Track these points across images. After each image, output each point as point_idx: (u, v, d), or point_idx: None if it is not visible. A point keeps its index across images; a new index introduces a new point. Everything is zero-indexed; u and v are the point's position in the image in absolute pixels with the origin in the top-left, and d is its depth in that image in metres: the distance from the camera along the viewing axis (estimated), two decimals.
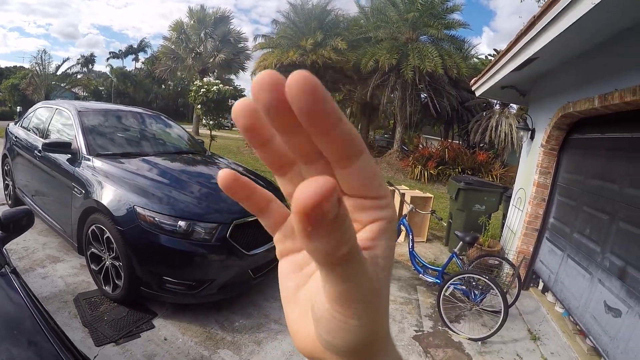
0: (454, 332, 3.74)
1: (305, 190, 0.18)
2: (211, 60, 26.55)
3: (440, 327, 3.85)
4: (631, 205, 3.31)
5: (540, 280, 4.93)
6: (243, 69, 28.51)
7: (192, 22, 26.86)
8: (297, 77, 0.20)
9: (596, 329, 3.43)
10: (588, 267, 3.78)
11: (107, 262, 3.41)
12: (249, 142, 0.25)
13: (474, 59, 20.39)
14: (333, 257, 0.20)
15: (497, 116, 16.93)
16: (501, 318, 3.51)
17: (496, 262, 4.77)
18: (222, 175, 0.28)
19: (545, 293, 4.76)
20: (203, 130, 19.35)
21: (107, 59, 52.28)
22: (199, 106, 10.48)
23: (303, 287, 0.30)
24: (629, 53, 3.20)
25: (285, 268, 0.32)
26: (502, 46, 4.59)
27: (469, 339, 3.66)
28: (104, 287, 3.49)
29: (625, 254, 3.26)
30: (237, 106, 0.24)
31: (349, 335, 0.24)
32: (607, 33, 3.31)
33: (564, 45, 3.67)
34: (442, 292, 3.80)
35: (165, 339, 3.08)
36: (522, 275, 4.93)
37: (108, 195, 3.39)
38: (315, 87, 0.20)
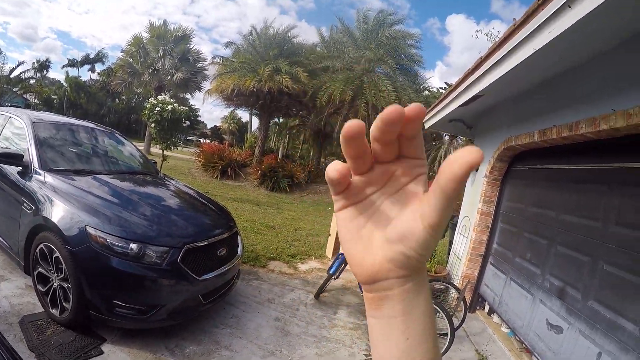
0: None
1: (471, 156, 0.30)
2: (168, 77, 26.21)
3: None
4: (567, 230, 3.60)
5: (486, 303, 5.15)
6: (199, 89, 28.21)
7: (152, 37, 26.44)
8: (420, 108, 0.33)
9: (540, 346, 3.64)
10: (530, 288, 4.02)
11: (55, 284, 3.26)
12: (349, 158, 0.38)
13: (426, 91, 21.27)
14: (460, 193, 0.33)
15: (446, 146, 17.66)
16: (448, 340, 3.64)
17: (442, 286, 4.95)
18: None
19: (491, 315, 4.98)
20: (155, 150, 18.91)
21: (63, 66, 50.27)
22: (152, 125, 10.25)
23: (364, 226, 0.39)
24: (565, 93, 3.54)
25: (346, 215, 0.40)
26: (454, 80, 4.88)
27: None
28: (50, 310, 3.32)
29: (564, 275, 3.53)
30: (352, 130, 0.35)
31: (427, 249, 0.35)
32: (546, 75, 3.64)
33: (508, 84, 3.97)
34: None
35: None
36: (468, 298, 5.14)
37: (59, 212, 3.27)
38: (423, 114, 0.34)
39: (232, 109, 29.16)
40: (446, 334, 3.68)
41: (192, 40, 28.11)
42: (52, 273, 3.29)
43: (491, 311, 4.98)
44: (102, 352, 3.09)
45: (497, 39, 3.37)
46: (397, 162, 0.38)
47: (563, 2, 2.25)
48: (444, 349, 3.66)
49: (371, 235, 0.38)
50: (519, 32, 2.86)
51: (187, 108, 10.96)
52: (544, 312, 3.67)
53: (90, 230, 3.10)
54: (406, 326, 0.38)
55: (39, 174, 3.68)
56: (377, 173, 0.38)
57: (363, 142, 0.35)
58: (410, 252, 0.35)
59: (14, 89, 32.12)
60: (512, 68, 3.20)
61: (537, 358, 3.71)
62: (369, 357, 3.80)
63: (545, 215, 4.04)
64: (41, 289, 3.41)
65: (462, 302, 4.44)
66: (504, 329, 4.55)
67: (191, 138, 56.50)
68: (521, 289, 4.19)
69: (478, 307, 5.32)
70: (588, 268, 3.18)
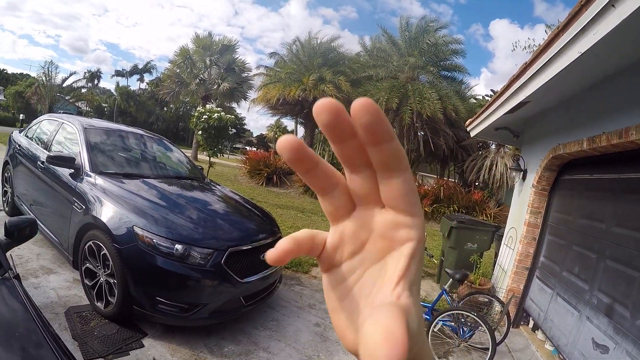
0: None
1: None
2: (215, 87, 26.91)
3: None
4: (617, 244, 3.41)
5: (531, 318, 4.95)
6: (245, 98, 28.74)
7: (198, 48, 27.30)
8: (363, 102, 0.25)
9: None
10: (577, 304, 3.84)
11: (102, 279, 3.44)
12: (295, 170, 0.31)
13: (472, 99, 20.84)
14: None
15: (493, 156, 17.17)
16: (489, 355, 3.53)
17: (486, 299, 4.79)
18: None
19: (536, 331, 4.78)
20: (202, 156, 19.46)
21: (112, 76, 53.12)
22: (200, 132, 10.58)
23: (346, 298, 0.33)
24: (614, 97, 3.37)
25: (328, 281, 0.34)
26: (499, 87, 4.77)
27: None
28: (96, 303, 3.50)
29: (612, 291, 3.34)
30: (282, 142, 0.29)
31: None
32: (593, 79, 3.49)
33: (554, 90, 3.84)
34: (431, 328, 3.83)
35: (154, 359, 3.09)
36: (512, 313, 4.96)
37: (108, 213, 3.45)
38: (376, 109, 0.25)
39: (277, 117, 29.58)
40: (487, 349, 3.57)
41: (236, 50, 28.83)
42: (99, 269, 3.46)
43: (536, 327, 4.78)
44: (142, 346, 3.22)
45: (540, 44, 3.28)
46: (379, 210, 0.32)
47: (607, 2, 2.16)
48: None
49: (354, 309, 0.32)
50: (563, 35, 2.77)
51: (233, 116, 11.23)
52: (590, 330, 3.49)
53: (138, 230, 3.25)
54: None
55: (90, 176, 3.89)
56: (350, 225, 0.33)
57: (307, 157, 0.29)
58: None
59: (67, 97, 33.89)
60: (558, 73, 3.10)
61: None
62: None
63: (594, 227, 3.85)
64: (88, 283, 3.60)
65: (505, 316, 4.28)
66: (548, 347, 4.35)
67: (237, 146, 57.81)
68: (567, 304, 4.00)
69: (522, 323, 5.11)
70: (638, 284, 3.00)
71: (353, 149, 0.29)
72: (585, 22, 2.44)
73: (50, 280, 3.95)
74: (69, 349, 2.84)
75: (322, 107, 0.26)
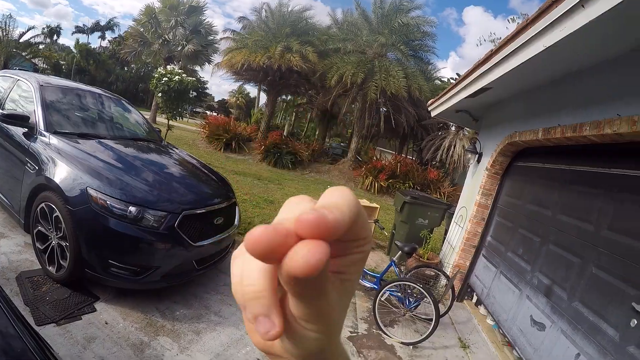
0: (387, 335, 3.92)
1: (299, 260, 0.21)
2: (179, 48, 26.02)
3: (374, 330, 4.03)
4: (561, 230, 3.64)
5: (474, 294, 5.23)
6: (209, 62, 27.94)
7: (164, 7, 26.17)
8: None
9: (522, 341, 3.73)
10: (518, 283, 4.09)
11: (54, 242, 3.34)
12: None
13: (437, 81, 21.10)
14: (307, 295, 0.25)
15: (452, 137, 17.59)
16: (432, 325, 3.72)
17: (433, 273, 5.01)
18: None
19: (478, 306, 5.06)
20: (160, 119, 18.96)
21: (73, 32, 50.45)
22: (159, 94, 10.28)
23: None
24: (573, 94, 3.53)
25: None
26: (464, 72, 4.87)
27: (401, 342, 3.85)
28: (47, 267, 3.41)
29: (552, 273, 3.58)
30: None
31: (307, 343, 0.29)
32: (555, 74, 3.62)
33: (516, 79, 3.96)
34: (378, 297, 3.98)
35: (107, 323, 3.06)
36: (457, 287, 5.22)
37: (61, 173, 3.33)
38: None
39: (240, 83, 29.00)
40: (431, 319, 3.76)
41: (204, 12, 27.81)
42: (52, 232, 3.37)
43: (478, 302, 5.06)
44: (95, 310, 3.20)
45: (508, 34, 3.35)
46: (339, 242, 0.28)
47: (577, 1, 2.24)
48: (427, 333, 3.75)
49: None
50: (531, 27, 2.83)
51: (194, 79, 10.95)
52: (529, 308, 3.74)
53: (91, 192, 3.17)
54: None
55: (44, 136, 3.73)
56: None
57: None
58: (289, 346, 0.30)
59: (23, 53, 31.84)
60: (522, 63, 3.19)
61: (517, 352, 3.80)
62: (354, 334, 3.89)
63: (541, 213, 4.07)
64: (40, 246, 3.50)
65: (450, 290, 4.51)
66: (489, 321, 4.63)
67: (198, 110, 56.34)
68: (510, 283, 4.25)
69: (466, 297, 5.40)
70: (577, 269, 3.22)
71: None
72: (554, 18, 2.51)
73: (1, 245, 3.79)
74: (22, 314, 2.79)
75: (256, 243, 0.23)
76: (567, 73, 3.51)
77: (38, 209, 3.45)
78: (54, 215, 3.29)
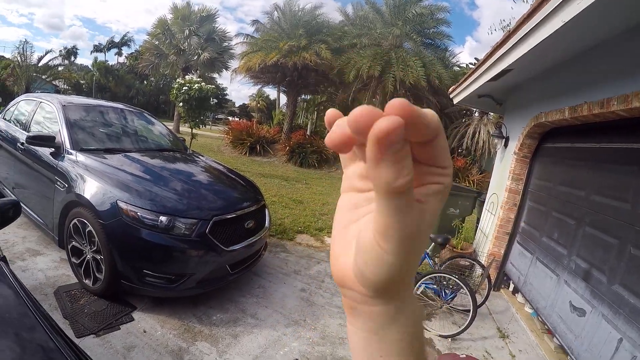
0: (425, 329, 3.87)
1: (381, 122, 0.22)
2: (195, 58, 26.35)
3: None
4: (596, 211, 3.51)
5: (511, 282, 5.12)
6: (227, 68, 28.14)
7: (176, 19, 26.57)
8: (400, 106, 0.24)
9: (562, 328, 3.62)
10: (555, 269, 3.97)
11: (88, 256, 3.44)
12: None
13: (456, 67, 20.75)
14: (391, 185, 0.24)
15: (476, 123, 17.26)
16: (470, 316, 3.67)
17: (467, 263, 4.93)
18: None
19: (516, 294, 4.95)
20: (184, 128, 19.28)
21: (91, 52, 51.79)
22: (180, 104, 10.43)
23: (354, 223, 0.33)
24: (597, 68, 3.40)
25: (344, 203, 0.34)
26: (483, 55, 4.77)
27: (440, 335, 3.80)
28: (84, 281, 3.52)
29: (590, 257, 3.46)
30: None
31: (382, 269, 0.28)
32: (577, 49, 3.50)
33: (537, 59, 3.84)
34: (414, 291, 3.92)
35: (145, 331, 3.13)
36: (493, 276, 5.12)
37: (91, 189, 3.42)
38: (417, 114, 0.24)
39: (259, 86, 29.19)
40: (469, 310, 3.71)
41: (216, 20, 28.07)
42: (85, 246, 3.46)
43: (516, 290, 4.95)
44: (132, 319, 3.27)
45: (525, 12, 3.26)
46: (420, 165, 0.29)
47: None
48: (465, 325, 3.69)
49: (357, 234, 0.32)
50: (547, 3, 2.75)
51: (213, 87, 11.05)
52: (568, 294, 3.63)
53: (122, 205, 3.24)
54: (380, 346, 0.33)
55: (71, 154, 3.84)
56: None
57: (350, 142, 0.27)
58: (364, 268, 0.29)
59: (43, 77, 32.83)
60: (541, 41, 3.10)
61: (558, 339, 3.69)
62: None
63: (574, 194, 3.95)
64: (75, 261, 3.61)
65: (486, 279, 4.43)
66: (528, 309, 4.52)
67: (220, 116, 57.03)
68: (546, 269, 4.14)
69: (503, 286, 5.29)
70: (615, 251, 3.11)
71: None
72: None
73: (37, 262, 3.94)
74: (61, 328, 2.88)
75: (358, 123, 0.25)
76: (589, 47, 3.38)
77: (71, 225, 3.55)
78: (86, 230, 3.39)
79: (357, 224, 0.33)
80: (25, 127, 4.67)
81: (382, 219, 0.26)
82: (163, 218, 3.23)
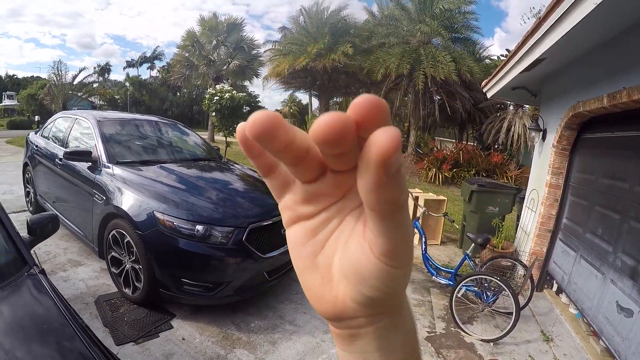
0: (466, 333, 3.77)
1: (382, 140, 0.20)
2: (225, 67, 26.83)
3: (452, 329, 3.89)
4: None
5: (554, 282, 4.92)
6: (257, 75, 28.53)
7: (204, 30, 27.14)
8: (363, 103, 0.21)
9: (609, 329, 3.44)
10: (600, 267, 3.78)
11: (127, 265, 3.54)
12: (245, 153, 0.27)
13: (487, 60, 20.31)
14: (398, 204, 0.22)
15: (511, 116, 16.81)
16: (513, 319, 3.53)
17: (509, 263, 4.78)
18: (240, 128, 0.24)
19: (559, 294, 4.75)
20: (218, 137, 19.63)
21: (124, 67, 53.51)
22: (213, 113, 10.62)
23: (320, 252, 0.29)
24: (634, 50, 3.22)
25: (297, 236, 0.31)
26: (514, 46, 4.65)
27: (481, 340, 3.69)
28: (124, 290, 3.62)
29: (637, 253, 3.27)
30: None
31: (393, 285, 0.26)
32: (612, 32, 3.33)
33: (571, 45, 3.69)
34: (455, 294, 3.83)
35: (184, 339, 3.19)
36: (536, 276, 4.94)
37: (128, 201, 3.52)
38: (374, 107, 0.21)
39: (290, 92, 29.44)
40: (511, 313, 3.57)
41: (243, 28, 28.45)
42: (124, 256, 3.55)
43: (559, 290, 4.75)
44: (171, 327, 3.34)
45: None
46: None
47: None
48: (508, 328, 3.57)
49: (330, 263, 0.29)
50: None
51: (245, 94, 11.21)
52: (615, 293, 3.44)
53: (159, 215, 3.32)
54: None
55: (108, 167, 3.96)
56: (329, 182, 0.27)
57: (289, 142, 0.23)
58: (372, 292, 0.27)
59: (79, 94, 34.20)
60: (573, 26, 2.97)
61: (604, 342, 3.50)
62: (432, 334, 3.78)
63: (618, 187, 3.74)
64: (114, 271, 3.72)
65: (529, 280, 4.27)
66: (572, 310, 4.32)
67: None
68: (591, 267, 3.95)
69: (546, 286, 5.09)
70: None
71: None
72: None
73: (78, 272, 4.09)
74: (101, 336, 2.96)
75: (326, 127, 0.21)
76: (624, 30, 3.22)
77: (110, 235, 3.66)
78: (125, 241, 3.48)
79: (323, 253, 0.29)
80: (62, 143, 4.86)
81: (388, 239, 0.24)
82: (199, 227, 3.28)
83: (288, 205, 0.31)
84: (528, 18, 27.94)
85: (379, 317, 0.30)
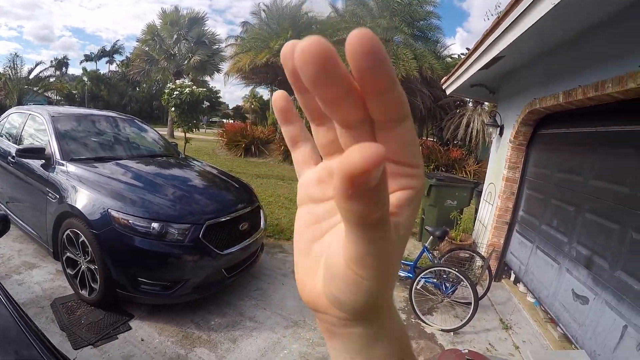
0: (427, 323, 3.84)
1: (355, 155, 0.18)
2: (186, 62, 26.39)
3: (413, 320, 3.95)
4: (596, 197, 3.46)
5: (512, 272, 5.08)
6: (218, 71, 28.28)
7: (165, 24, 26.60)
8: (359, 36, 0.20)
9: (565, 316, 3.58)
10: (556, 257, 3.94)
11: (83, 266, 3.41)
12: (293, 86, 0.26)
13: (448, 58, 20.73)
14: (366, 220, 0.21)
15: (470, 113, 17.24)
16: (472, 309, 3.63)
17: (467, 255, 4.90)
18: (278, 95, 0.31)
19: (517, 284, 4.91)
20: (178, 133, 19.29)
21: (81, 62, 51.62)
22: (173, 109, 10.39)
23: (319, 240, 0.30)
24: (590, 51, 3.34)
25: (304, 218, 0.31)
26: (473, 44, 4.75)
27: (442, 330, 3.77)
28: (80, 291, 3.49)
29: (591, 243, 3.42)
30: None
31: (359, 294, 0.25)
32: (568, 32, 3.45)
33: (529, 44, 3.80)
34: (414, 286, 3.90)
35: (143, 340, 3.10)
36: (494, 267, 5.08)
37: (82, 199, 3.39)
38: (380, 47, 0.20)
39: (251, 87, 29.22)
40: (470, 303, 3.67)
41: (205, 23, 28.27)
42: (80, 256, 3.43)
43: (517, 280, 4.91)
44: (130, 328, 3.25)
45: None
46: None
47: None
48: (467, 318, 3.66)
49: (322, 254, 0.29)
50: None
51: (205, 90, 11.02)
52: (570, 282, 3.59)
53: (113, 213, 3.22)
54: None
55: (62, 165, 3.81)
56: None
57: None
58: (340, 295, 0.26)
59: (35, 89, 32.87)
60: (531, 25, 3.04)
61: (561, 328, 3.66)
62: None
63: (572, 180, 3.90)
64: (70, 272, 3.59)
65: (487, 270, 4.39)
66: (530, 299, 4.48)
67: (214, 119, 56.91)
68: (547, 257, 4.10)
69: (504, 276, 5.25)
70: (617, 236, 3.06)
71: (350, 106, 0.23)
72: None
73: (33, 275, 3.92)
74: (58, 340, 2.87)
75: (306, 54, 0.20)
76: (581, 31, 3.34)
77: (64, 235, 3.52)
78: (80, 240, 3.36)
79: (320, 242, 0.30)
80: (16, 140, 4.63)
81: (355, 247, 0.23)
82: (155, 224, 3.20)
83: (303, 183, 0.32)
84: (491, 15, 28.65)
85: (351, 323, 0.28)
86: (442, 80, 6.92)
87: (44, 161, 3.94)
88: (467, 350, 2.42)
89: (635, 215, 2.86)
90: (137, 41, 29.02)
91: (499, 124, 5.65)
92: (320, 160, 0.32)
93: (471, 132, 16.69)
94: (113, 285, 3.24)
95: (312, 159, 0.32)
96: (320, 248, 0.29)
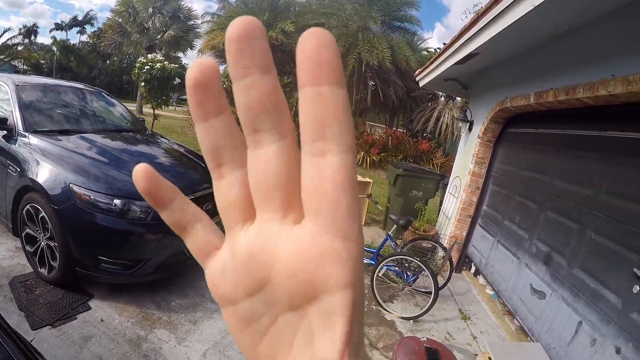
0: (387, 311, 3.90)
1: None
2: (159, 36, 25.54)
3: (373, 307, 4.00)
4: (558, 196, 3.59)
5: (473, 264, 5.22)
6: (192, 47, 27.46)
7: None
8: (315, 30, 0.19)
9: (523, 310, 3.72)
10: (516, 252, 4.07)
11: (43, 243, 3.27)
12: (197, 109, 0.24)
13: (424, 52, 20.84)
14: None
15: (441, 107, 17.46)
16: (432, 298, 3.70)
17: (429, 245, 5.00)
18: (139, 170, 0.25)
19: (477, 276, 5.06)
20: (147, 109, 18.77)
21: (51, 30, 49.05)
22: (142, 84, 10.09)
23: (260, 343, 0.23)
24: (564, 55, 3.42)
25: (233, 320, 0.25)
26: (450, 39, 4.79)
27: (402, 317, 3.84)
28: (39, 270, 3.36)
29: (551, 241, 3.54)
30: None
31: None
32: (545, 35, 3.51)
33: (504, 43, 3.85)
34: (376, 273, 3.94)
35: (102, 320, 3.02)
36: (455, 258, 5.21)
37: (44, 173, 3.24)
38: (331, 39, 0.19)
39: (225, 66, 28.59)
40: (431, 292, 3.74)
41: None
42: (39, 233, 3.30)
43: (477, 272, 5.06)
44: (89, 308, 3.16)
45: None
46: (289, 225, 0.22)
47: None
48: (427, 307, 3.73)
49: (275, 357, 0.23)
50: None
51: (177, 66, 10.75)
52: (529, 277, 3.72)
53: (75, 188, 3.09)
54: None
55: (24, 136, 3.62)
56: (243, 243, 0.23)
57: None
58: None
59: (1, 57, 31.19)
60: (510, 25, 3.09)
61: (518, 321, 3.80)
62: None
63: (537, 179, 4.02)
64: (29, 249, 3.45)
65: (448, 261, 4.49)
66: (489, 291, 4.62)
67: (185, 97, 55.93)
68: (508, 252, 4.23)
69: (464, 268, 5.40)
70: (576, 235, 3.18)
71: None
72: None
73: None
74: (16, 320, 2.78)
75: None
76: (558, 34, 3.40)
77: (24, 211, 3.37)
78: (40, 216, 3.22)
79: (264, 344, 0.24)
80: None
81: (344, 330, 0.20)
82: (117, 201, 3.10)
83: (210, 280, 0.27)
84: (469, 13, 28.93)
85: None
86: (417, 72, 6.96)
87: (5, 132, 3.73)
88: (425, 339, 2.47)
89: (596, 216, 2.97)
90: (110, 12, 27.76)
91: (469, 119, 5.74)
92: (222, 241, 0.25)
93: (441, 125, 16.92)
94: (73, 263, 3.13)
95: (211, 244, 0.26)
96: (268, 351, 0.23)
